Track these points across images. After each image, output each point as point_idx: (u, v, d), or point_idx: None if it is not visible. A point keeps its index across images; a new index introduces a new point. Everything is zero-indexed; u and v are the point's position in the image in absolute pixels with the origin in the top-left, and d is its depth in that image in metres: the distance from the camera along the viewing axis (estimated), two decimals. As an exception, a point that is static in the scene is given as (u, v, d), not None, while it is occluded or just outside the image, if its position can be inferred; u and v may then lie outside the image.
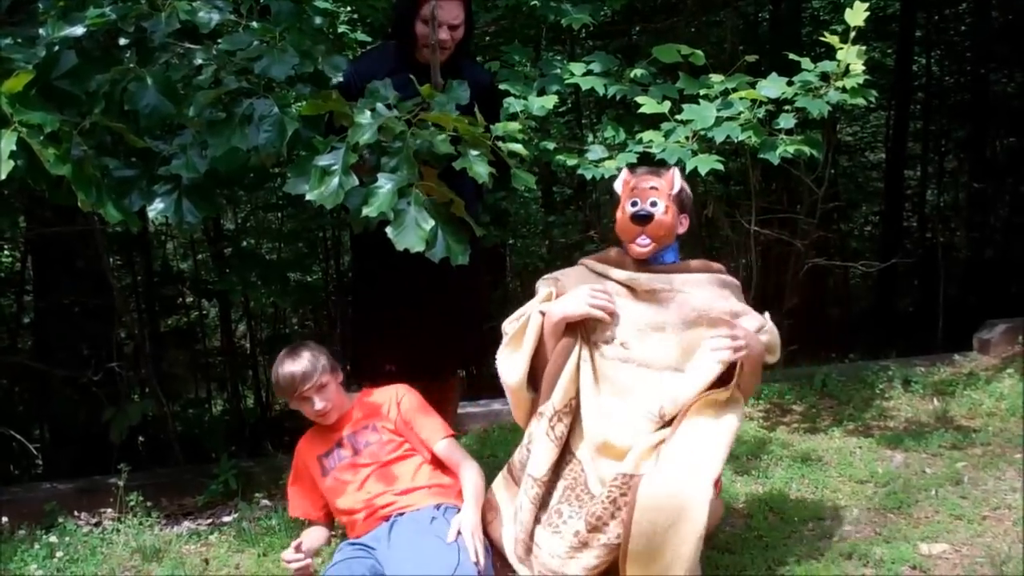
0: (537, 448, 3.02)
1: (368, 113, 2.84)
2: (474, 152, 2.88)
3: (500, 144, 2.92)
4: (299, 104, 2.92)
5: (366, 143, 2.78)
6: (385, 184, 2.78)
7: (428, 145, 2.84)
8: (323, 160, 2.79)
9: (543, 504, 3.01)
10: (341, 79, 3.16)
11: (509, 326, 3.17)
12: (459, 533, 3.03)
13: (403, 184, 2.79)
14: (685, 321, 3.04)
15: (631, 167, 3.20)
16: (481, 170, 2.86)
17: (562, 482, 3.01)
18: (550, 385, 3.05)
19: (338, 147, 2.80)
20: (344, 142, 2.79)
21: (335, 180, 2.75)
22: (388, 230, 2.77)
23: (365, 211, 2.75)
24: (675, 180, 3.13)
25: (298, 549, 3.17)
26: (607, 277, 3.13)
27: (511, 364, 3.12)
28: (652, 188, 3.09)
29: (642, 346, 3.04)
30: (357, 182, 2.78)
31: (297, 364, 3.31)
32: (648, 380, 3.01)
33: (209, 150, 2.83)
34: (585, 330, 3.07)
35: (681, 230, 3.18)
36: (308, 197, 2.77)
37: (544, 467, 2.99)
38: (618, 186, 3.20)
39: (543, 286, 3.21)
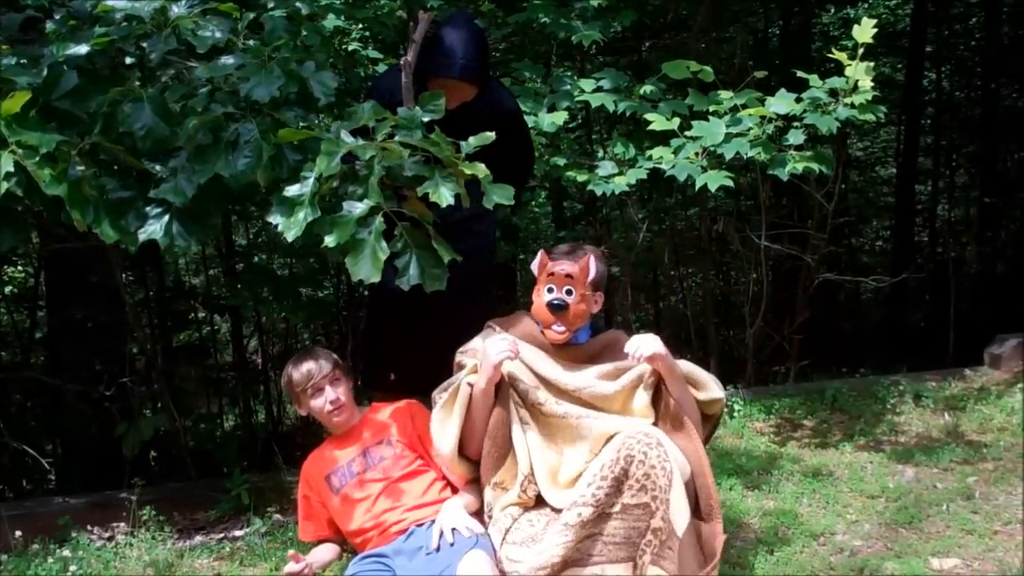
0: (500, 516, 3.11)
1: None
2: (441, 175, 2.85)
3: (463, 165, 2.87)
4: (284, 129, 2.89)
5: (329, 172, 2.75)
6: (350, 212, 2.75)
7: (400, 169, 2.83)
8: (291, 190, 2.77)
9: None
10: (332, 99, 3.13)
11: (438, 396, 3.24)
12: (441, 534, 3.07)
13: (363, 213, 2.76)
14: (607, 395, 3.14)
15: (547, 249, 3.26)
16: (445, 193, 2.82)
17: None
18: (496, 461, 3.14)
19: (307, 176, 2.77)
20: (312, 171, 2.77)
21: (302, 212, 2.72)
22: (346, 260, 2.75)
23: (327, 241, 2.72)
24: (590, 268, 3.15)
25: (296, 558, 3.16)
26: (531, 369, 3.18)
27: (442, 435, 3.18)
28: (567, 276, 3.13)
29: (573, 403, 3.15)
30: (319, 213, 2.74)
31: (313, 356, 3.42)
32: (593, 423, 3.09)
33: (195, 176, 2.81)
34: (519, 398, 3.14)
35: (595, 309, 3.23)
36: (279, 228, 2.74)
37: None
38: (534, 266, 3.22)
39: (466, 359, 3.26)
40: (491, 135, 2.97)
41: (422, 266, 2.85)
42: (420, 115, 2.97)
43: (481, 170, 2.87)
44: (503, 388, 3.13)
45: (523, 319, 3.31)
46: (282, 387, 3.56)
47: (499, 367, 3.06)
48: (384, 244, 2.73)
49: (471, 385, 3.13)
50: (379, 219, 2.76)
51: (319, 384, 3.37)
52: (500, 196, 2.94)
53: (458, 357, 3.30)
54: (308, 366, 3.39)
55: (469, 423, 3.15)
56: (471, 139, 2.93)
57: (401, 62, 3.31)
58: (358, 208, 2.75)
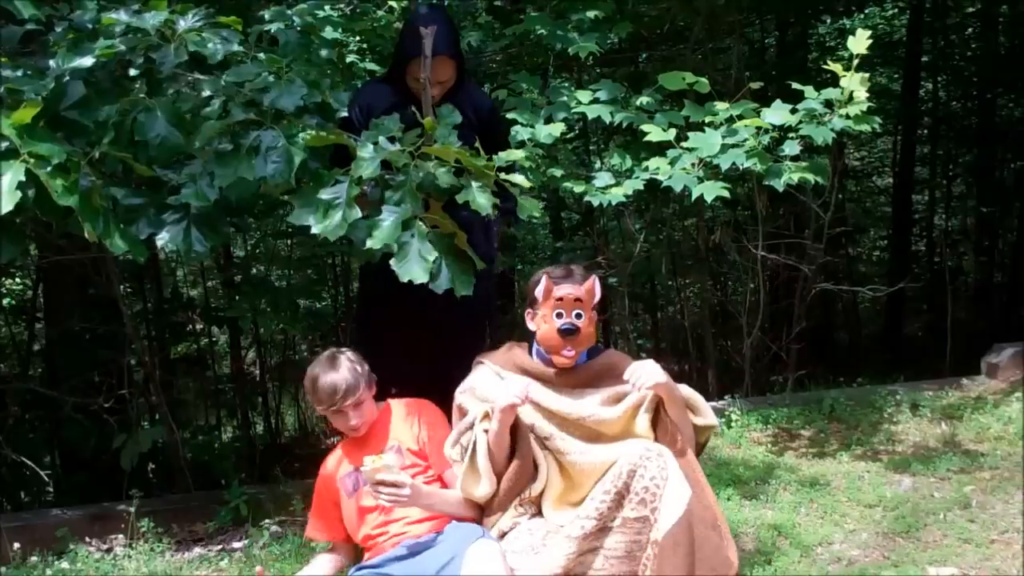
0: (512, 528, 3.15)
1: (371, 147, 2.86)
2: (476, 184, 2.89)
3: (502, 175, 2.92)
4: (305, 135, 2.94)
5: (369, 177, 2.80)
6: (388, 217, 2.80)
7: (432, 178, 2.87)
8: (327, 193, 2.80)
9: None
10: (346, 114, 3.18)
11: (453, 451, 3.23)
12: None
13: (406, 216, 2.81)
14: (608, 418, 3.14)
15: (549, 272, 3.19)
16: (483, 202, 2.87)
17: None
18: (511, 496, 3.16)
19: (342, 180, 2.82)
20: (348, 175, 2.82)
21: (339, 213, 2.77)
22: (392, 262, 2.78)
23: (369, 243, 2.77)
24: (596, 289, 3.16)
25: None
26: (537, 405, 3.15)
27: (474, 487, 3.16)
28: (577, 300, 3.11)
29: (578, 441, 3.14)
30: (360, 215, 2.80)
31: (339, 375, 3.26)
32: (594, 458, 3.07)
33: (216, 180, 2.85)
34: (537, 437, 3.16)
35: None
36: (313, 230, 2.79)
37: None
38: (539, 292, 3.15)
39: (467, 402, 3.25)
40: (520, 153, 3.04)
41: (452, 272, 2.89)
42: (452, 120, 3.02)
43: (522, 181, 2.91)
44: (522, 426, 3.14)
45: (513, 350, 3.30)
46: (304, 384, 3.50)
47: (511, 411, 3.04)
48: (429, 245, 2.78)
49: (487, 432, 3.12)
50: (419, 223, 2.82)
51: (344, 408, 3.32)
52: (530, 208, 2.99)
53: (458, 399, 3.28)
54: (336, 386, 3.25)
55: (492, 464, 3.15)
56: (501, 153, 2.99)
57: (421, 78, 3.29)
58: (395, 213, 2.80)
